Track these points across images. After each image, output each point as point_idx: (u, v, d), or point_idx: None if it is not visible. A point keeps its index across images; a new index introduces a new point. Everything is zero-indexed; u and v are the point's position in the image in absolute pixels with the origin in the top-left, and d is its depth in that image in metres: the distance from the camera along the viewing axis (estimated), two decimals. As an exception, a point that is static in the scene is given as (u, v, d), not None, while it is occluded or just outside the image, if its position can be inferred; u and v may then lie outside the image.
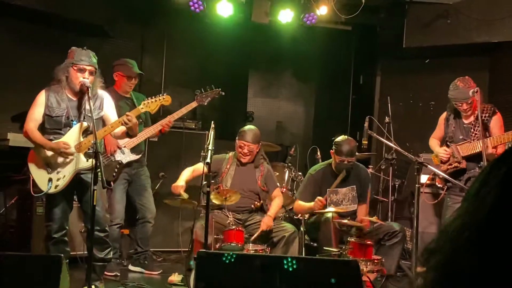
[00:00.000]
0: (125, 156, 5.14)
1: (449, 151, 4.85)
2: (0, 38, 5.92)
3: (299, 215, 5.41)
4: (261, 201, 5.15)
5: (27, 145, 4.44)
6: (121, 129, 4.24)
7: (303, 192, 5.16)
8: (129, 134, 4.31)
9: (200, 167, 4.87)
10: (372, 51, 7.64)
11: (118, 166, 5.03)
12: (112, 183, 4.99)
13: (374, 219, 4.87)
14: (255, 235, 4.82)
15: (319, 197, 4.83)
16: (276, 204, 5.12)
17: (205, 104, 5.36)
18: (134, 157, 5.25)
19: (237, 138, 5.12)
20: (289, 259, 2.86)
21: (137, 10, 6.97)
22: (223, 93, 5.45)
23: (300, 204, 5.10)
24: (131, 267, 5.54)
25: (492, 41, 6.26)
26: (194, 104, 5.33)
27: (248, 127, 5.23)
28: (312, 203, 4.87)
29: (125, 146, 5.17)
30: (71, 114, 4.18)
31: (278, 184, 5.39)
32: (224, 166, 5.11)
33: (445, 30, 6.51)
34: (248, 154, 5.07)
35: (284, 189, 5.98)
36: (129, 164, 5.23)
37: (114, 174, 4.97)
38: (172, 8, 6.65)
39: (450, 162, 4.80)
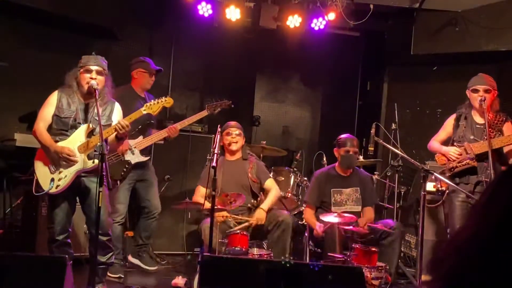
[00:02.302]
0: (134, 157, 5.14)
1: (460, 150, 4.67)
2: (10, 39, 5.96)
3: (304, 220, 5.44)
4: (258, 199, 5.17)
5: (33, 145, 4.46)
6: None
7: (310, 195, 5.29)
8: (117, 137, 4.25)
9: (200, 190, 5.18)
10: (380, 58, 7.63)
11: (127, 166, 5.00)
12: (118, 182, 4.98)
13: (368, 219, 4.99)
14: (241, 225, 4.77)
15: (319, 227, 4.85)
16: (271, 196, 5.08)
17: (215, 113, 5.51)
18: (143, 158, 5.26)
19: (221, 132, 4.93)
20: (293, 265, 2.85)
21: (145, 13, 7.00)
22: (233, 106, 5.61)
23: (308, 215, 5.20)
24: (130, 258, 5.63)
25: (501, 49, 6.23)
26: (204, 113, 5.51)
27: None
28: (315, 224, 4.93)
29: (135, 147, 5.18)
30: (79, 117, 4.21)
31: (270, 175, 5.41)
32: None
33: (453, 37, 6.49)
34: (236, 141, 5.22)
35: (289, 194, 5.96)
36: (136, 167, 5.23)
37: (122, 173, 4.94)
38: (181, 12, 6.68)
39: (461, 159, 4.63)
